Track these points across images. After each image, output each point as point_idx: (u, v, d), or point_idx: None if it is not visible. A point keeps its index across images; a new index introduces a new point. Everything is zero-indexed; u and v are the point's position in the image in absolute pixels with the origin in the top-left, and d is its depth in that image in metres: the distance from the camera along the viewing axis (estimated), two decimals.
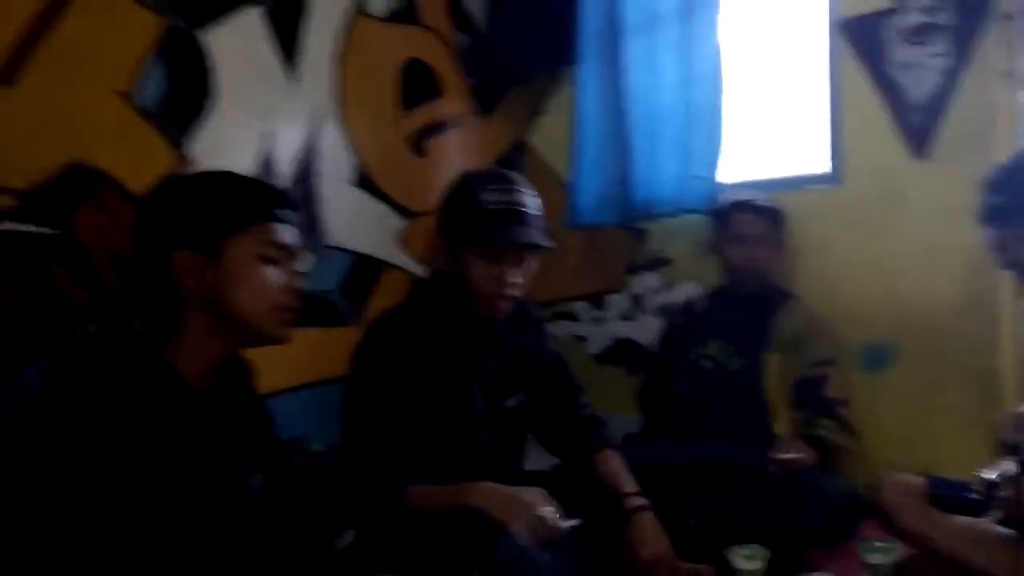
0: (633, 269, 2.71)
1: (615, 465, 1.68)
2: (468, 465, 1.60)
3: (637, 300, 2.72)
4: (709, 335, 2.20)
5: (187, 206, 1.15)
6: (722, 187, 2.39)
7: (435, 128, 2.66)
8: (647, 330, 2.64)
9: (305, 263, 1.23)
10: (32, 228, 1.71)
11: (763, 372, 2.11)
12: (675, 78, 2.40)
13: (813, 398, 2.06)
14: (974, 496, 1.45)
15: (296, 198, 2.23)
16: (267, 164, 2.17)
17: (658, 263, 2.66)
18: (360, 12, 2.42)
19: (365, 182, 2.44)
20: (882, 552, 1.44)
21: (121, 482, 0.97)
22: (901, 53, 2.16)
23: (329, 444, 2.19)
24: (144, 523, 0.97)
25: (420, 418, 1.56)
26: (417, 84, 2.60)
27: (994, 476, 1.41)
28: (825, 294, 2.26)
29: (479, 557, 1.32)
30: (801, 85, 2.44)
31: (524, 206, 1.59)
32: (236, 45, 2.08)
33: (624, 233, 2.69)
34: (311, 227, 2.28)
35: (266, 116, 2.17)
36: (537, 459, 1.87)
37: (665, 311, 2.55)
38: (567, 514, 1.44)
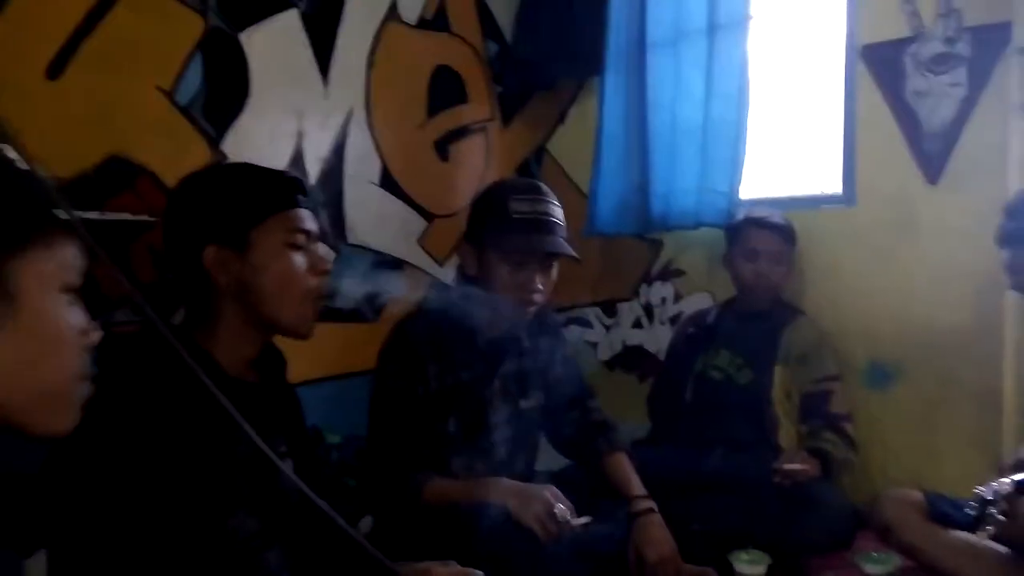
0: (646, 278, 2.77)
1: (624, 468, 1.75)
2: (484, 462, 1.67)
3: (649, 309, 2.77)
4: (719, 346, 2.26)
5: (212, 202, 1.18)
6: (740, 203, 2.44)
7: (459, 133, 2.72)
8: (657, 338, 2.70)
9: (330, 259, 1.28)
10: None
11: (770, 385, 2.16)
12: (699, 93, 2.45)
13: (818, 412, 2.12)
14: (971, 513, 1.51)
15: (322, 197, 2.30)
16: (298, 163, 2.24)
17: (671, 273, 2.72)
18: (392, 19, 2.49)
19: (389, 183, 2.51)
20: (879, 563, 1.50)
21: (175, 468, 1.02)
22: (919, 81, 2.21)
23: (345, 436, 2.26)
24: (195, 506, 1.03)
25: (439, 414, 1.63)
26: (444, 89, 2.66)
27: (989, 494, 1.46)
28: (833, 311, 2.32)
29: (494, 550, 1.38)
30: (819, 106, 2.49)
31: (551, 216, 1.65)
32: (273, 47, 2.15)
33: (639, 243, 2.75)
34: (336, 226, 2.35)
35: (299, 117, 2.23)
36: (547, 459, 1.94)
37: (676, 321, 2.61)
38: (579, 512, 1.50)
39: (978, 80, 2.13)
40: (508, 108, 2.90)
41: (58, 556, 1.02)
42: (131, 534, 1.00)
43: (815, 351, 2.19)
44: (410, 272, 2.56)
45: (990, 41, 2.11)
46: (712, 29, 2.45)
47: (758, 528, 1.70)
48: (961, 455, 2.12)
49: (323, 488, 1.31)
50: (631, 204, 2.60)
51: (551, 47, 2.76)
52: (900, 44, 2.24)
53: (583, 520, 1.49)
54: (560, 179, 2.88)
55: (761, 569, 1.52)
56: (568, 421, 1.84)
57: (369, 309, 2.42)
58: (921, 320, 2.21)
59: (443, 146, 2.68)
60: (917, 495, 1.74)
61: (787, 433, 2.14)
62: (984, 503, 1.45)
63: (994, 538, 1.49)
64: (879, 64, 2.28)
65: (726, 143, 2.43)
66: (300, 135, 2.24)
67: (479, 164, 2.75)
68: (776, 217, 2.27)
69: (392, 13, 2.48)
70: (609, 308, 2.87)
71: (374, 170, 2.46)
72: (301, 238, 1.21)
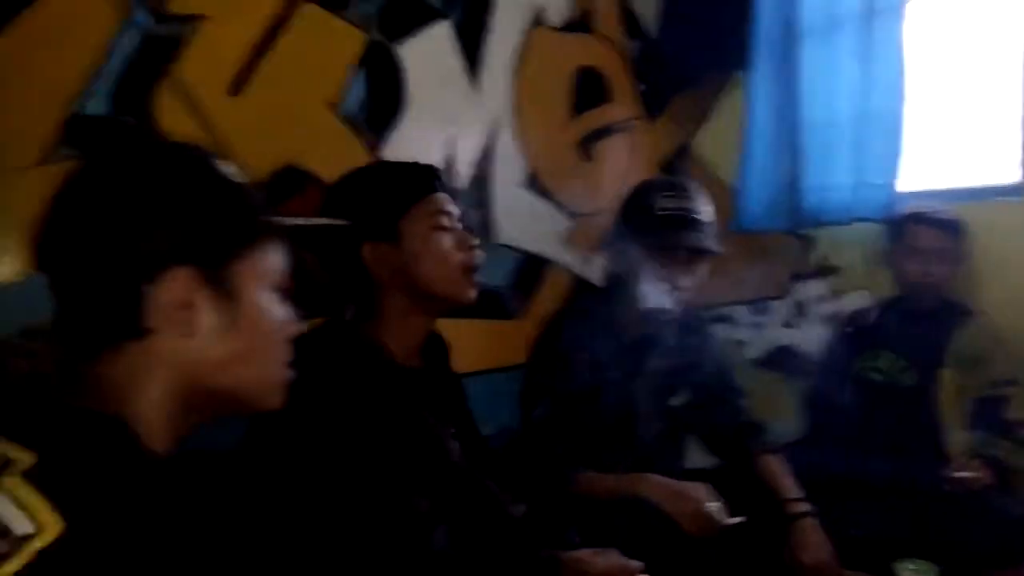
0: (798, 276, 2.68)
1: (778, 469, 1.72)
2: (632, 458, 1.69)
3: (800, 307, 2.69)
4: (880, 347, 2.16)
5: (359, 203, 1.26)
6: (900, 196, 2.33)
7: (602, 132, 2.74)
8: (809, 338, 2.61)
9: (480, 257, 1.34)
10: None
11: (936, 389, 2.05)
12: (854, 83, 2.35)
13: (992, 418, 1.99)
14: None
15: (472, 199, 2.38)
16: (449, 167, 2.33)
17: (825, 271, 2.62)
18: (538, 23, 2.54)
19: (534, 184, 2.57)
20: None
21: (364, 448, 1.11)
22: None
23: (496, 428, 2.34)
24: (380, 484, 1.12)
25: (589, 409, 1.66)
26: (588, 89, 2.69)
27: None
28: (1010, 311, 2.16)
29: (644, 545, 1.40)
30: (992, 92, 2.33)
31: (697, 212, 1.65)
32: (426, 57, 2.24)
33: (790, 239, 2.66)
34: (484, 226, 2.43)
35: (450, 123, 2.32)
36: (697, 458, 1.93)
37: (832, 320, 2.52)
38: (732, 511, 1.50)
39: None
40: (652, 106, 2.89)
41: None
42: (324, 508, 1.09)
43: (988, 354, 2.05)
44: (556, 270, 2.61)
45: None
46: (867, 15, 2.34)
47: (925, 537, 1.63)
48: None
49: (490, 471, 1.38)
50: (781, 199, 2.53)
51: (695, 42, 2.73)
52: None
53: (736, 520, 1.48)
54: (705, 175, 2.83)
55: None
56: (718, 420, 1.82)
57: (516, 306, 2.48)
58: None
59: (587, 146, 2.71)
60: None
61: (955, 440, 2.02)
62: None
63: None
64: None
65: (883, 135, 2.32)
66: (451, 140, 2.33)
67: (623, 162, 2.75)
68: (942, 212, 2.15)
69: (538, 19, 2.54)
70: (758, 306, 2.80)
71: (520, 172, 2.53)
72: (445, 219, 1.28)
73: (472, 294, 1.30)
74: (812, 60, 2.45)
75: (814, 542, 1.59)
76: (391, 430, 1.15)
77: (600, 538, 1.43)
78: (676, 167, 2.93)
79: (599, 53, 2.73)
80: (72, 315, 0.69)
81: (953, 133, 2.45)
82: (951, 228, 2.13)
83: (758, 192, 2.59)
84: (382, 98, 2.19)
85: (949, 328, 2.11)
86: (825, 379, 2.30)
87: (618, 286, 1.73)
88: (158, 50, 1.73)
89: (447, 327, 1.48)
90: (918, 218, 2.15)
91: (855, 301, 2.49)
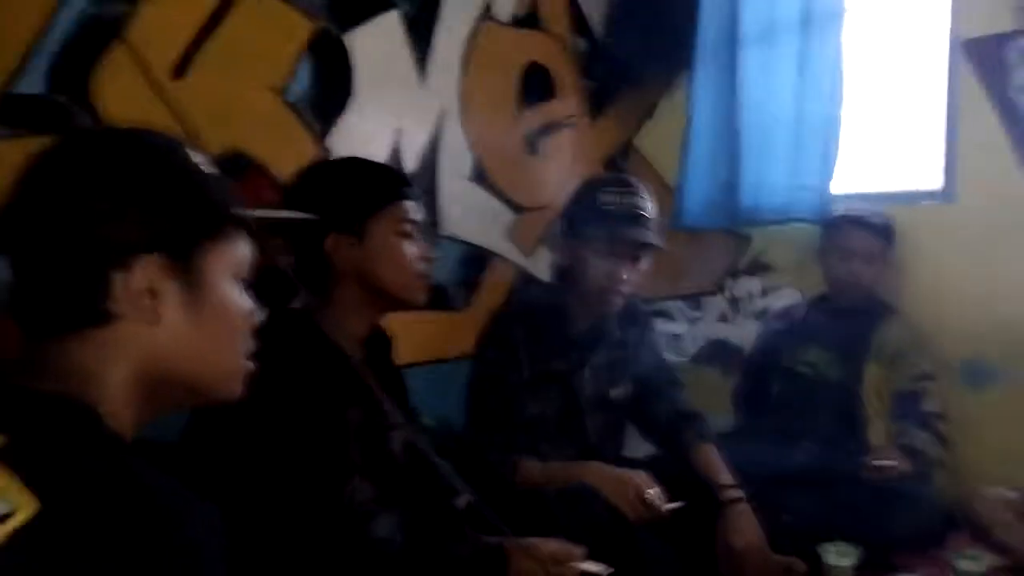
0: (733, 272, 2.77)
1: (713, 458, 1.78)
2: (575, 448, 1.73)
3: (735, 303, 2.77)
4: (809, 342, 2.25)
5: (333, 193, 1.29)
6: (833, 198, 2.42)
7: (548, 128, 2.78)
8: (743, 333, 2.70)
9: (431, 250, 1.38)
10: None
11: (861, 382, 2.15)
12: (792, 88, 2.44)
13: (911, 410, 2.10)
14: None
15: (420, 190, 2.39)
16: (396, 158, 2.33)
17: (758, 268, 2.71)
18: (487, 17, 2.56)
19: (481, 177, 2.58)
20: (972, 560, 1.49)
21: (301, 435, 1.13)
22: (1023, 76, 2.16)
23: (437, 418, 2.35)
24: (316, 472, 1.13)
25: (535, 401, 1.70)
26: (534, 85, 2.72)
27: None
28: (929, 309, 2.28)
29: (585, 531, 1.44)
30: (918, 100, 2.45)
31: (642, 208, 1.70)
32: (375, 47, 2.23)
33: (726, 236, 2.75)
34: (431, 217, 2.43)
35: (397, 113, 2.31)
36: (636, 447, 1.98)
37: (764, 315, 2.61)
38: (670, 498, 1.55)
39: None
40: (597, 103, 2.94)
41: None
42: (259, 497, 1.10)
43: (909, 350, 2.16)
44: (500, 263, 2.64)
45: None
46: (806, 23, 2.43)
47: (848, 522, 1.71)
48: None
49: (432, 462, 1.39)
50: (719, 198, 2.61)
51: (640, 41, 2.79)
52: (1004, 38, 2.18)
53: (675, 505, 1.54)
54: (647, 172, 2.89)
55: (850, 561, 1.54)
56: (657, 411, 1.88)
57: (460, 298, 2.50)
58: (1021, 319, 2.16)
59: (533, 141, 2.74)
60: (1013, 494, 1.72)
61: (877, 430, 2.12)
62: None
63: None
64: (982, 58, 2.22)
65: (819, 138, 2.41)
66: (399, 131, 2.33)
67: (567, 158, 2.79)
68: (874, 216, 2.24)
69: (487, 13, 2.55)
70: (693, 302, 2.88)
71: (467, 164, 2.54)
72: (410, 227, 1.31)
73: (423, 298, 1.35)
74: (753, 65, 2.53)
75: (746, 527, 1.66)
76: (333, 418, 1.17)
77: (544, 525, 1.48)
78: (619, 164, 2.98)
79: (546, 49, 2.76)
80: (35, 298, 0.69)
81: (882, 138, 2.56)
82: (882, 231, 2.22)
83: (698, 190, 2.67)
84: (330, 87, 2.17)
85: (874, 325, 2.20)
86: (755, 373, 2.38)
87: (563, 279, 1.76)
88: (100, 30, 1.69)
89: (391, 318, 1.49)
90: (851, 220, 2.24)
91: (786, 298, 2.58)
